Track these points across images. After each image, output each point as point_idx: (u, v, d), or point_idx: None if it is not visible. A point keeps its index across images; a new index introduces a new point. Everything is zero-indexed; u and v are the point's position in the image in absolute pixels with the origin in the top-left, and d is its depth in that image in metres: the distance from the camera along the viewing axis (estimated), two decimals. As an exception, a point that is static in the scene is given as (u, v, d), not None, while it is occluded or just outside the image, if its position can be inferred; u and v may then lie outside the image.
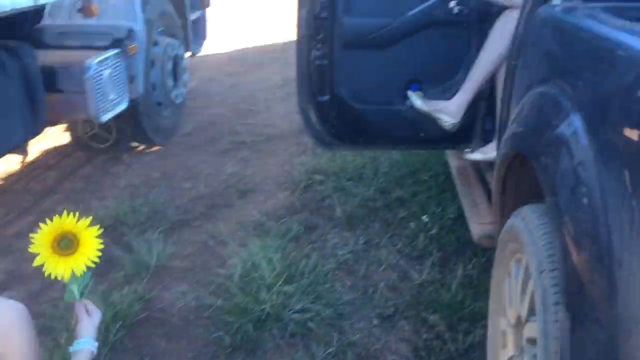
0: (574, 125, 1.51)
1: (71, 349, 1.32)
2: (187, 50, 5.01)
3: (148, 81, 4.14)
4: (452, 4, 2.72)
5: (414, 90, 2.81)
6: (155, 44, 4.26)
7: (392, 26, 2.75)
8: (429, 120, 2.78)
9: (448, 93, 2.80)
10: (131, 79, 3.80)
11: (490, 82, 2.70)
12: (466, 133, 2.88)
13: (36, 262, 1.33)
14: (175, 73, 4.59)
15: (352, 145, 3.18)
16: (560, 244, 1.46)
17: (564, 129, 1.55)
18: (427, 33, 2.77)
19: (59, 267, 1.32)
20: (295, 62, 2.87)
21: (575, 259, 1.33)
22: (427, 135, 2.90)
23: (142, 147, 4.48)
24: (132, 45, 3.73)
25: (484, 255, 2.76)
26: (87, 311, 1.37)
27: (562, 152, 1.54)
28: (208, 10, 5.94)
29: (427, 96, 2.80)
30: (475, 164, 2.89)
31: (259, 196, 3.69)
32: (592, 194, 1.35)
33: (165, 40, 4.37)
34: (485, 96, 2.79)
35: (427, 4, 2.72)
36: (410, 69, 2.83)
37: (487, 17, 2.71)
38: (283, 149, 4.44)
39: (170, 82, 4.42)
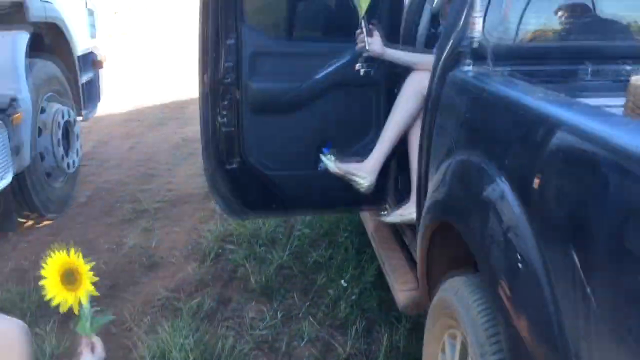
0: (500, 190, 1.46)
1: None
2: (79, 114, 4.70)
3: (36, 151, 3.80)
4: (357, 65, 2.69)
5: (326, 152, 2.73)
6: (43, 110, 3.95)
7: (300, 89, 2.67)
8: (343, 182, 2.70)
9: (360, 154, 2.75)
10: (16, 150, 3.47)
11: (402, 141, 2.68)
12: (380, 193, 2.82)
13: (47, 294, 1.30)
14: (67, 139, 4.26)
15: (264, 213, 3.04)
16: (502, 323, 1.38)
17: (490, 194, 1.50)
18: (336, 95, 2.73)
19: (65, 298, 1.32)
20: (199, 125, 2.73)
21: (522, 346, 1.24)
22: (342, 198, 2.82)
23: (31, 222, 4.08)
24: (17, 114, 3.41)
25: (409, 320, 2.67)
26: (92, 348, 1.35)
27: (491, 217, 1.49)
28: (102, 70, 5.65)
29: (339, 158, 2.73)
30: (393, 225, 2.82)
31: (165, 270, 3.43)
32: (531, 262, 1.29)
33: (54, 106, 4.06)
34: (396, 155, 2.76)
35: (334, 66, 2.68)
36: (321, 132, 2.76)
37: (394, 77, 2.71)
38: (189, 215, 4.20)
39: (61, 150, 4.09)
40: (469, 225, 1.62)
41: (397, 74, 2.74)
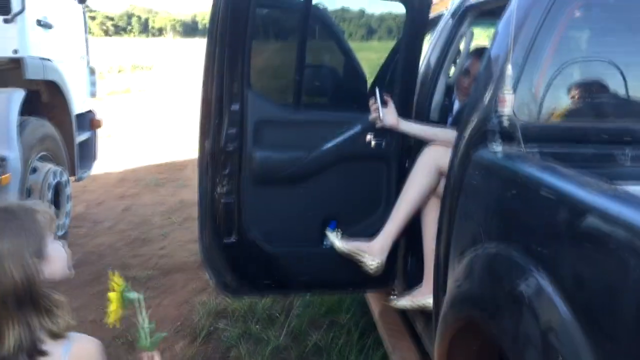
0: (542, 288, 1.28)
1: None
2: (72, 174, 4.53)
3: (22, 213, 3.60)
4: (368, 137, 2.54)
5: (332, 229, 2.53)
6: (34, 170, 3.78)
7: (306, 160, 2.51)
8: (348, 261, 2.49)
9: (369, 231, 2.55)
10: (1, 213, 3.26)
11: (414, 219, 2.49)
12: (388, 274, 2.61)
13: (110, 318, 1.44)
14: (58, 202, 4.07)
15: (262, 292, 2.81)
16: None
17: (529, 292, 1.32)
18: (343, 168, 2.56)
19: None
20: (196, 189, 2.53)
21: None
22: (347, 277, 2.61)
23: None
24: (4, 175, 3.24)
25: (419, 420, 2.40)
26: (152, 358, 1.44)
27: (531, 318, 1.31)
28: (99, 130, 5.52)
29: (346, 235, 2.53)
30: (402, 310, 2.59)
31: (152, 347, 3.15)
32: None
33: (46, 167, 3.89)
34: (406, 233, 2.56)
35: (343, 137, 2.53)
36: (327, 206, 2.58)
37: (407, 151, 2.56)
38: (181, 286, 3.96)
39: (50, 213, 3.88)
40: (503, 327, 1.41)
41: (410, 147, 2.59)
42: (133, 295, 1.44)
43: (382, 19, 2.99)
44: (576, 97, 1.79)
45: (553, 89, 1.75)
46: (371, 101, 2.43)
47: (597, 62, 1.80)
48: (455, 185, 1.80)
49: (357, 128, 2.55)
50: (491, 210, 1.57)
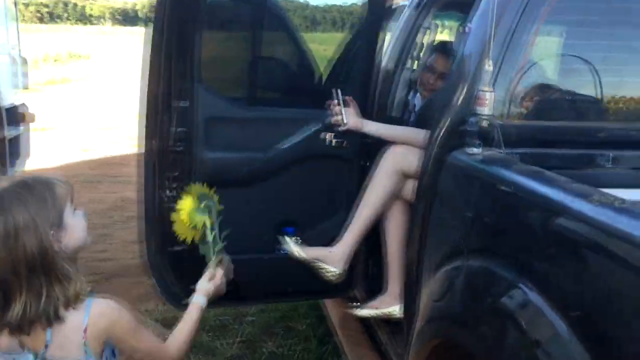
0: (538, 308, 1.17)
1: (187, 300, 1.70)
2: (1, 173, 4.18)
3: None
4: (327, 136, 2.37)
5: (290, 235, 2.37)
6: (-43, 170, 3.44)
7: (261, 161, 2.33)
8: (307, 269, 2.33)
9: (327, 236, 2.40)
10: None
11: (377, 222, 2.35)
12: (348, 280, 2.47)
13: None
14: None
15: (214, 302, 2.61)
16: None
17: (522, 312, 1.21)
18: (301, 168, 2.39)
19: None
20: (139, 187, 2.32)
21: None
22: (304, 285, 2.45)
23: None
24: None
25: None
26: (214, 276, 1.75)
27: (514, 334, 1.20)
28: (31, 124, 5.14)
29: (304, 241, 2.37)
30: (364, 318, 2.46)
31: (93, 362, 2.92)
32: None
33: (-30, 165, 3.56)
34: (368, 239, 2.42)
35: (300, 136, 2.36)
36: (284, 210, 2.40)
37: (367, 152, 2.41)
38: (124, 291, 3.70)
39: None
40: (488, 346, 1.29)
41: (369, 145, 2.44)
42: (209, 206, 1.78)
43: (341, 10, 2.84)
44: (556, 95, 1.69)
45: (532, 87, 1.65)
46: (333, 102, 2.27)
47: (577, 58, 1.70)
48: (427, 191, 1.68)
49: (315, 126, 2.39)
50: (474, 220, 1.44)
